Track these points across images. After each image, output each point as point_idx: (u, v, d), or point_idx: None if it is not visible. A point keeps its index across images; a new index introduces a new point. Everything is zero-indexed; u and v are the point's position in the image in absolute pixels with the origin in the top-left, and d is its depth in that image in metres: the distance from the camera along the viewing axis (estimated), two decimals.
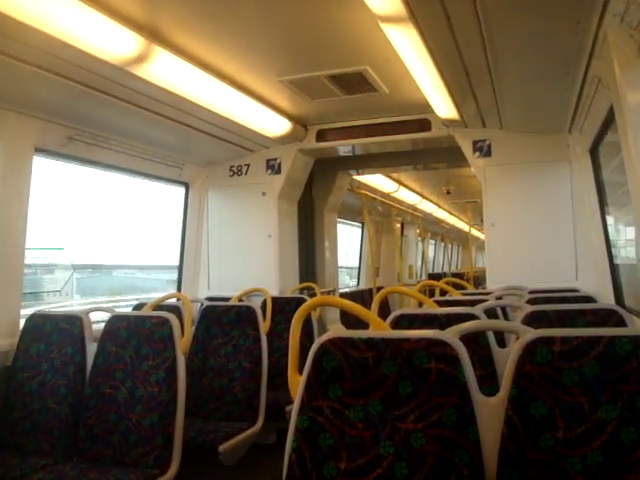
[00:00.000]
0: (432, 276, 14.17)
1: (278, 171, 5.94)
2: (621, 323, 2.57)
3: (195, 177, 6.06)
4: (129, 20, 3.14)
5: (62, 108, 3.98)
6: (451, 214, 14.09)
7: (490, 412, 1.54)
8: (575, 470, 1.42)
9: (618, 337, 1.47)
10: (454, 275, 12.45)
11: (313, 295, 5.99)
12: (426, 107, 4.85)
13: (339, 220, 8.18)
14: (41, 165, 4.18)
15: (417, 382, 1.58)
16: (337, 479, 1.57)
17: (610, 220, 4.50)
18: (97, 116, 4.26)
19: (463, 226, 15.40)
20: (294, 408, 1.67)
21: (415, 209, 11.67)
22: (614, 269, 4.62)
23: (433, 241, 17.09)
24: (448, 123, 5.30)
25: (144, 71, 3.53)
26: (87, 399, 3.20)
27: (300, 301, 5.02)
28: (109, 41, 3.16)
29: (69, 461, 3.08)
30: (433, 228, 15.38)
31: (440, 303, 3.21)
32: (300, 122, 5.62)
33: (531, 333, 1.55)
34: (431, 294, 5.66)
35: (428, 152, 6.31)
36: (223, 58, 3.84)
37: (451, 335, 1.62)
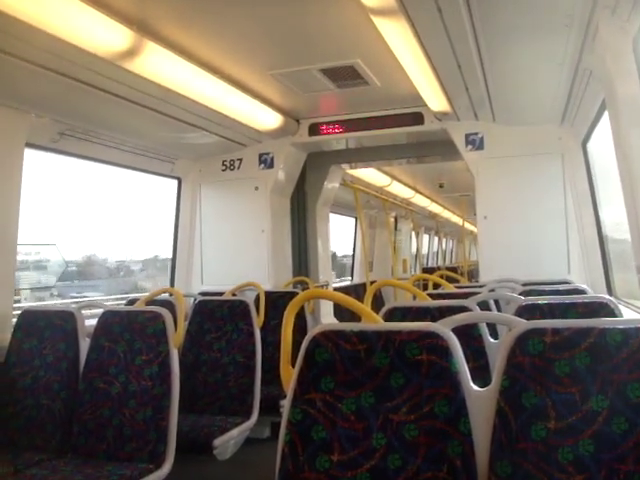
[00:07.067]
0: (426, 270, 14.17)
1: (271, 165, 5.93)
2: (612, 315, 2.59)
3: (187, 171, 6.05)
4: (119, 14, 3.12)
5: (53, 103, 3.96)
6: (445, 208, 14.09)
7: (482, 403, 1.54)
8: (567, 460, 1.42)
9: (609, 328, 1.48)
10: (448, 269, 12.45)
11: (306, 289, 5.98)
12: (418, 100, 4.85)
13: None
14: None
15: (409, 374, 1.59)
16: (330, 471, 1.57)
17: None
18: (89, 111, 4.24)
19: (457, 220, 15.41)
20: (286, 401, 1.67)
21: (409, 203, 11.66)
22: (606, 262, 4.64)
23: (427, 235, 17.11)
24: (440, 116, 5.30)
25: (135, 65, 3.51)
26: (81, 394, 3.20)
27: (293, 295, 4.98)
28: (99, 35, 3.14)
29: (63, 456, 3.08)
30: (427, 222, 15.38)
31: (433, 296, 3.21)
32: (292, 116, 5.61)
33: (523, 325, 1.56)
34: (425, 288, 5.67)
35: (421, 145, 6.30)
36: (214, 52, 3.83)
37: (443, 327, 1.62)
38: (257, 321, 4.22)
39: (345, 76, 4.41)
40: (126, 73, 3.56)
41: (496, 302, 3.53)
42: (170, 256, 6.15)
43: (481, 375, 2.24)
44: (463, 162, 5.60)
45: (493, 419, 1.51)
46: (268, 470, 1.80)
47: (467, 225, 15.03)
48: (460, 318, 1.74)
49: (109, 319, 3.28)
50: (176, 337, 3.20)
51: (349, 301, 1.99)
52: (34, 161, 4.13)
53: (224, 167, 6.06)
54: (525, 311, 2.56)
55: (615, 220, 4.35)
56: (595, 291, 4.24)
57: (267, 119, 5.24)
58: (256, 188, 5.95)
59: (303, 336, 1.70)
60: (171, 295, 4.69)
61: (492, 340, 2.68)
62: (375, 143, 6.23)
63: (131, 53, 3.37)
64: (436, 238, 18.18)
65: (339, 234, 11.21)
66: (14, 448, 3.21)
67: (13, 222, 3.83)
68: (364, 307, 1.99)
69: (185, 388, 3.53)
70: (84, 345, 3.35)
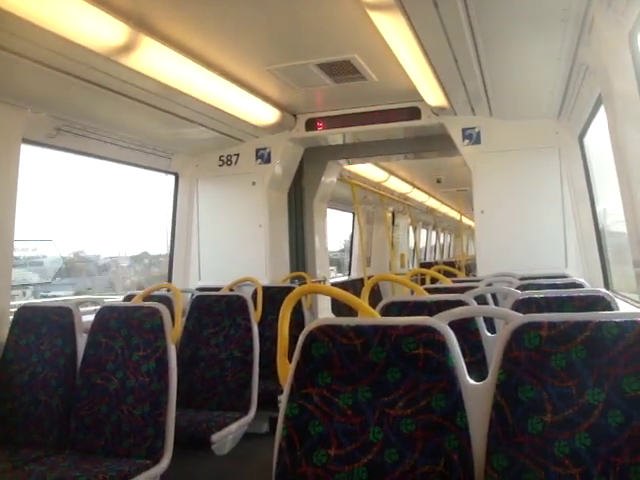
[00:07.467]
0: (424, 265, 14.15)
1: (268, 160, 5.92)
2: (609, 308, 2.59)
3: (184, 167, 6.05)
4: (116, 9, 3.10)
5: (50, 99, 3.95)
6: (442, 203, 14.08)
7: (478, 397, 1.54)
8: (563, 453, 1.42)
9: (605, 322, 1.48)
10: (446, 263, 12.45)
11: (304, 284, 5.98)
12: (415, 95, 4.84)
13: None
14: None
15: (405, 368, 1.59)
16: (327, 466, 1.57)
17: None
18: (86, 107, 4.23)
19: (454, 214, 15.40)
20: (283, 396, 1.67)
21: (406, 198, 11.66)
22: (603, 255, 4.64)
23: (425, 230, 17.10)
24: (437, 111, 5.29)
25: (132, 60, 3.50)
26: (78, 390, 3.19)
27: (290, 290, 4.97)
28: (96, 30, 3.12)
29: (61, 452, 3.08)
30: (424, 217, 15.38)
31: (430, 291, 3.21)
32: (289, 111, 5.60)
33: (519, 318, 1.56)
34: (422, 282, 5.69)
35: (418, 140, 6.29)
36: (211, 47, 3.81)
37: (439, 321, 1.63)
38: (254, 316, 4.22)
39: (342, 71, 4.40)
40: (123, 69, 3.55)
41: (493, 296, 3.53)
42: (160, 252, 6.14)
43: (478, 369, 2.24)
44: (460, 157, 5.60)
45: (490, 413, 1.51)
46: (266, 465, 1.80)
47: (465, 220, 15.01)
48: (457, 312, 1.73)
49: (106, 315, 3.28)
50: (174, 333, 3.20)
51: (346, 296, 1.99)
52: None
53: (221, 162, 6.06)
54: (522, 305, 2.56)
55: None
56: (592, 285, 4.24)
57: (264, 114, 5.23)
58: (253, 183, 5.95)
59: (300, 331, 1.70)
60: (168, 291, 4.69)
61: (489, 334, 2.68)
62: (372, 138, 6.21)
63: (127, 48, 3.36)
64: (434, 233, 18.17)
65: (330, 229, 11.16)
66: (12, 444, 3.21)
67: (10, 218, 3.82)
68: (360, 301, 1.99)
69: (183, 383, 3.53)
70: (81, 341, 3.34)
